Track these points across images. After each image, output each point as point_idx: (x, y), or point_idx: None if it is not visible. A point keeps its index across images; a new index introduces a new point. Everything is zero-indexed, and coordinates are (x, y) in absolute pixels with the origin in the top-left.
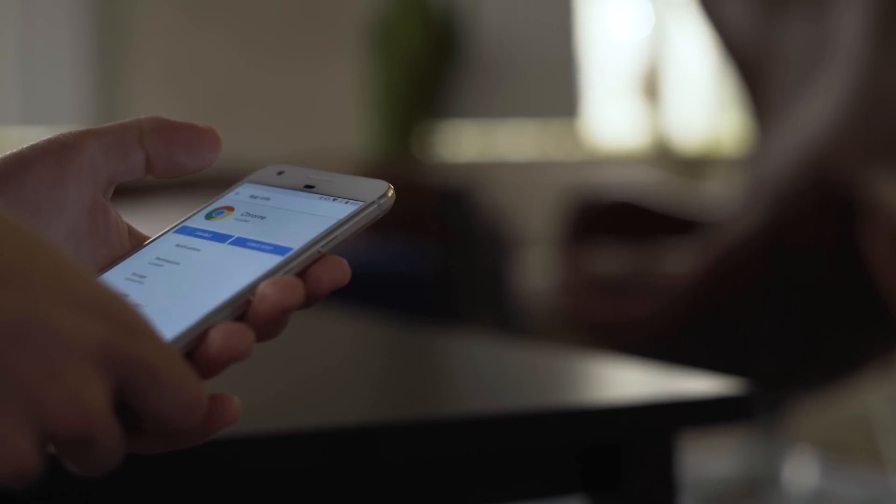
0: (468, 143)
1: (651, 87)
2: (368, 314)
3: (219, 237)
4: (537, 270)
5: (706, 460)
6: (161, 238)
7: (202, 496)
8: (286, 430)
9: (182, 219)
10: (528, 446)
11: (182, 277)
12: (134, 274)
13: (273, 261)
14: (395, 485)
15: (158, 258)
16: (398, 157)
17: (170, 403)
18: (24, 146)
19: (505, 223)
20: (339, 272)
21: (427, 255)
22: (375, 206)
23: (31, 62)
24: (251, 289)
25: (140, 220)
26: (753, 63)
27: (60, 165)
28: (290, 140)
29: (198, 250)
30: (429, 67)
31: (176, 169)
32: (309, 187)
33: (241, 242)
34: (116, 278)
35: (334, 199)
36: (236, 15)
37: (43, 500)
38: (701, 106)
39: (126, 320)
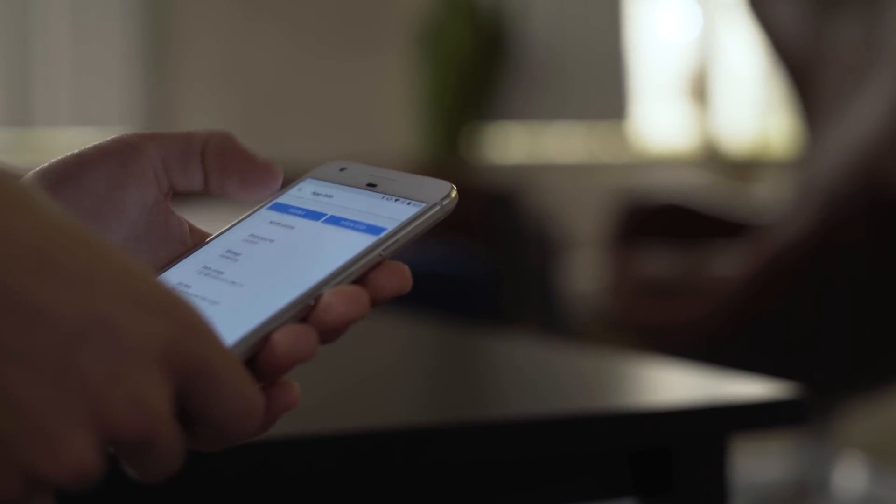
0: (516, 145)
1: (700, 89)
2: (417, 316)
3: (282, 236)
4: (585, 273)
5: (756, 464)
6: (222, 235)
7: (249, 497)
8: (335, 431)
9: (244, 214)
10: (581, 450)
11: (242, 279)
12: (196, 272)
13: (335, 263)
14: (444, 487)
15: (221, 256)
16: (446, 158)
17: (228, 409)
18: (86, 147)
19: (553, 225)
20: (401, 279)
21: (475, 257)
22: (438, 207)
23: (81, 64)
24: (314, 292)
25: (200, 217)
26: (803, 65)
27: (122, 167)
28: (338, 141)
29: (260, 249)
30: (477, 69)
31: (226, 194)
32: (371, 186)
33: (303, 244)
34: (178, 276)
35: (397, 200)
36: (285, 17)
37: (99, 501)
38: (750, 107)
39: (189, 321)
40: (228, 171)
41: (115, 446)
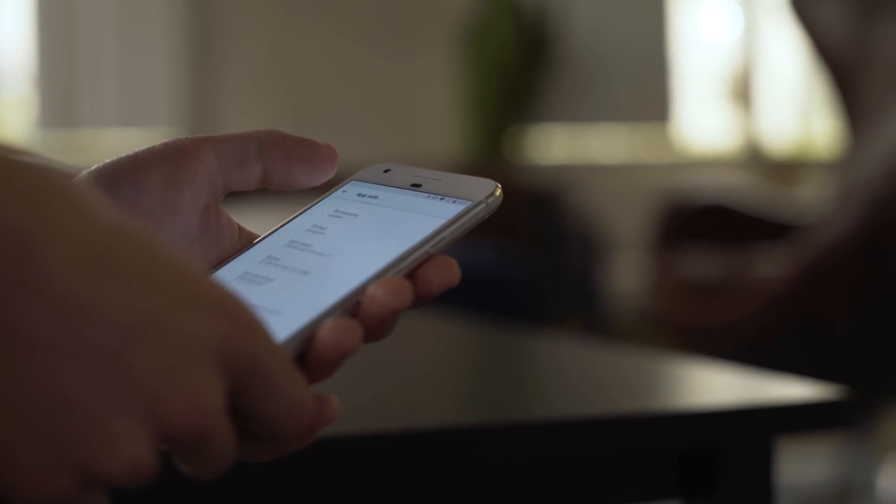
0: (559, 147)
1: (742, 90)
2: (460, 317)
3: (326, 238)
4: (628, 274)
5: (800, 465)
6: (270, 237)
7: (295, 498)
8: (381, 431)
9: (290, 217)
10: (626, 450)
11: (291, 278)
12: (245, 273)
13: (383, 261)
14: (489, 487)
15: (268, 257)
16: (489, 160)
17: (279, 407)
18: (140, 149)
19: (596, 226)
20: (449, 273)
21: (518, 258)
22: (483, 205)
23: (126, 65)
24: (361, 290)
25: (244, 219)
26: (846, 65)
27: (176, 170)
28: (380, 142)
29: (306, 250)
30: (520, 71)
31: (292, 184)
32: (416, 186)
33: (351, 243)
34: (229, 276)
35: (442, 199)
36: (328, 18)
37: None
38: (793, 108)
39: (242, 320)
40: (293, 159)
41: (170, 443)
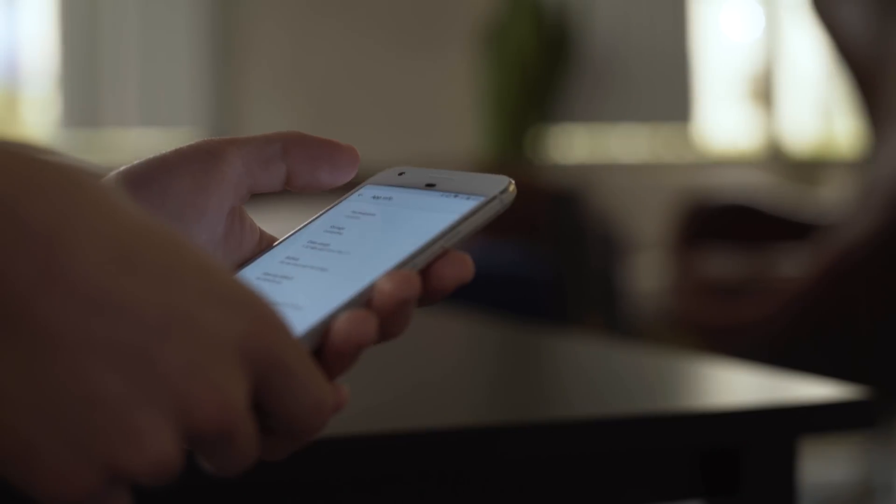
0: (579, 147)
1: (764, 90)
2: (480, 317)
3: (343, 239)
4: (648, 273)
5: (822, 465)
6: (289, 239)
7: (315, 497)
8: (401, 431)
9: (308, 220)
10: (649, 450)
11: (310, 275)
12: (266, 273)
13: (398, 256)
14: (510, 487)
15: (288, 257)
16: (510, 160)
17: (299, 403)
18: (168, 151)
19: (617, 226)
20: (462, 268)
21: (539, 258)
22: (497, 200)
23: (150, 65)
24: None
25: (262, 222)
26: (868, 65)
27: (204, 173)
28: (401, 142)
29: (324, 249)
30: (541, 70)
31: (316, 185)
32: (430, 186)
33: (366, 242)
34: (249, 277)
35: (456, 196)
36: (350, 18)
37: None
38: (814, 108)
39: (265, 317)
40: (318, 161)
41: (194, 440)
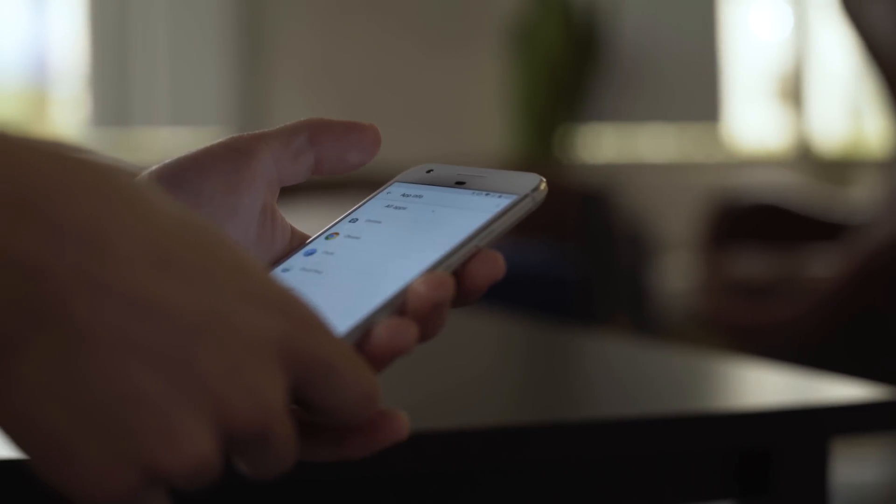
0: (608, 146)
1: (793, 89)
2: (508, 316)
3: (376, 236)
4: (677, 273)
5: (852, 466)
6: (320, 237)
7: (345, 495)
8: (430, 431)
9: (338, 218)
10: (680, 451)
11: (343, 275)
12: (300, 271)
13: (432, 257)
14: (538, 487)
15: (321, 255)
16: (538, 159)
17: (345, 396)
18: (198, 150)
19: (645, 226)
20: (495, 266)
21: (567, 257)
22: (529, 198)
23: (178, 65)
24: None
25: (293, 220)
26: None
27: (237, 172)
28: (429, 141)
29: (357, 248)
30: (570, 70)
31: (344, 168)
32: (460, 184)
33: (399, 241)
34: (283, 275)
35: (487, 194)
36: (378, 16)
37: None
38: (843, 107)
39: (303, 317)
40: (345, 142)
41: (231, 441)
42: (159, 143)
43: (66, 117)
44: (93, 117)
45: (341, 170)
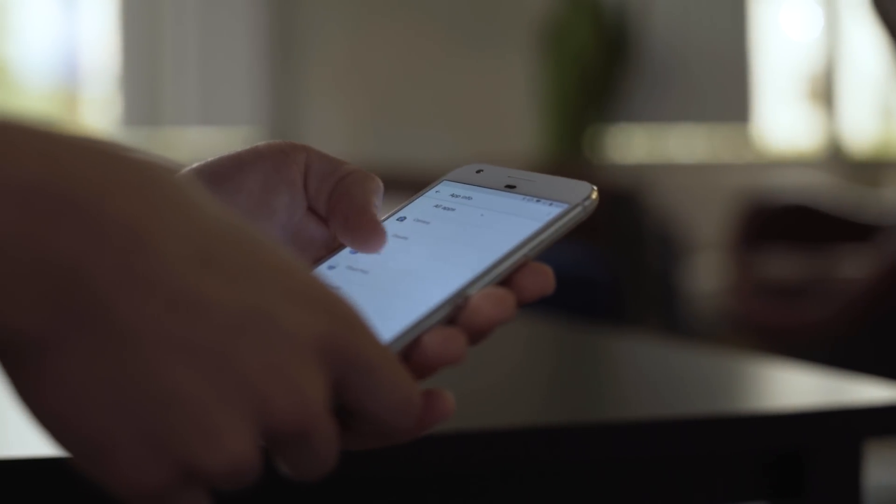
0: (638, 147)
1: (824, 89)
2: (539, 316)
3: (423, 237)
4: (708, 274)
5: (885, 467)
6: None
7: (376, 494)
8: (458, 431)
9: (384, 216)
10: (710, 452)
11: (390, 276)
12: (344, 270)
13: (481, 265)
14: (570, 488)
15: (365, 257)
16: (569, 159)
17: (384, 402)
18: (242, 149)
19: (675, 226)
20: (545, 281)
21: (598, 258)
22: (580, 208)
23: (209, 65)
24: (462, 293)
25: None
26: None
27: (277, 172)
28: (460, 141)
29: (403, 249)
30: (600, 70)
31: (332, 228)
32: (510, 187)
33: (447, 244)
34: (326, 275)
35: (538, 201)
36: (409, 18)
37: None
38: (875, 108)
39: (345, 316)
40: (349, 225)
41: (271, 440)
42: (190, 143)
43: (97, 117)
44: (124, 117)
45: (332, 228)
